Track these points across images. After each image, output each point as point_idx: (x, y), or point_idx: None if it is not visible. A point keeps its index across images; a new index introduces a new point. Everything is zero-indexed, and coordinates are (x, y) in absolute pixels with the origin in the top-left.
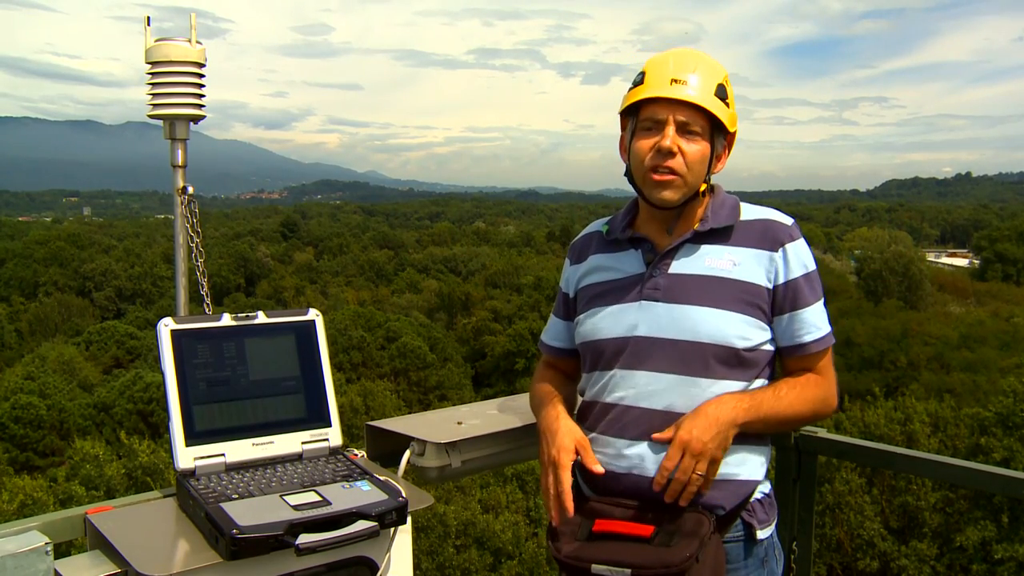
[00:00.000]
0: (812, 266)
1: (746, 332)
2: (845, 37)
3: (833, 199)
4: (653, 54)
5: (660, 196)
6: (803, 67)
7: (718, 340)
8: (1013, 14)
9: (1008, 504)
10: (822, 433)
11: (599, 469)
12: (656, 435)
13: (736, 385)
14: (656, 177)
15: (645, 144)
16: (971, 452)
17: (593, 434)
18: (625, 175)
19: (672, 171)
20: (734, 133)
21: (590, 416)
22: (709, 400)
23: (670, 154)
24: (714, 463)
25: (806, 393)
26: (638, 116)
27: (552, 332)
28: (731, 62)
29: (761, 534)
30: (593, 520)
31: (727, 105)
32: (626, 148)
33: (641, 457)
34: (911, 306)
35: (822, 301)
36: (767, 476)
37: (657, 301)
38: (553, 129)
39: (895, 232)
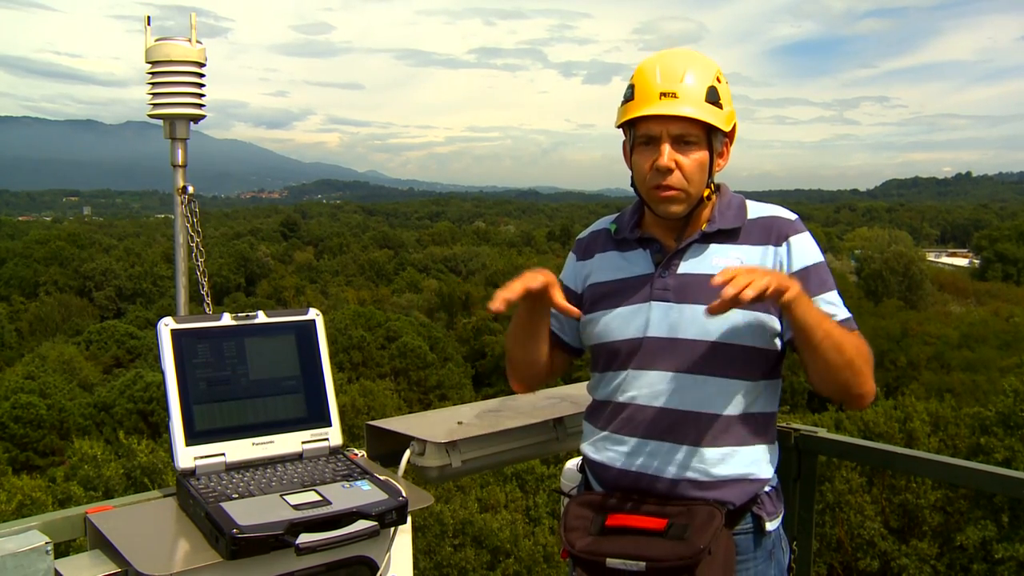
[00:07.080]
0: (819, 258)
1: (755, 329)
2: (847, 36)
3: (833, 199)
4: (654, 54)
5: (666, 211)
6: (805, 66)
7: (727, 339)
8: (1016, 13)
9: (1008, 504)
10: (822, 433)
11: (570, 308)
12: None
13: (746, 384)
14: (661, 194)
15: (644, 161)
16: (972, 452)
17: (605, 432)
18: (632, 185)
19: (673, 187)
20: (734, 127)
21: (602, 415)
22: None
23: (668, 172)
24: (767, 286)
25: (860, 343)
26: (634, 130)
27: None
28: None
29: (769, 526)
30: (606, 515)
31: (720, 106)
32: (628, 157)
33: (652, 455)
34: (911, 306)
35: (835, 291)
36: (776, 472)
37: (667, 302)
38: (554, 129)
39: (895, 232)
